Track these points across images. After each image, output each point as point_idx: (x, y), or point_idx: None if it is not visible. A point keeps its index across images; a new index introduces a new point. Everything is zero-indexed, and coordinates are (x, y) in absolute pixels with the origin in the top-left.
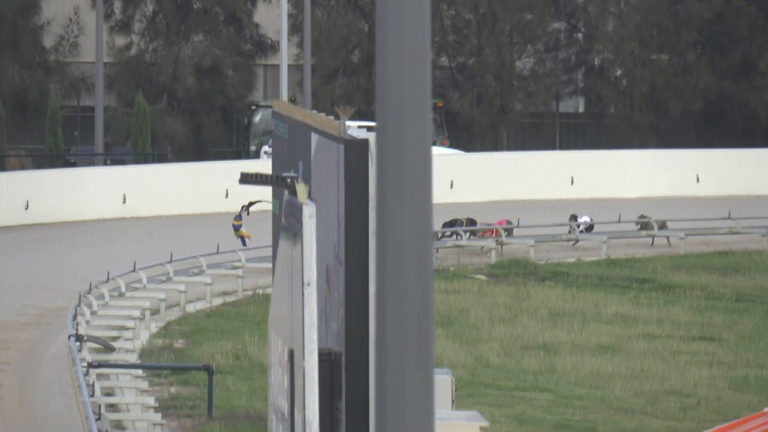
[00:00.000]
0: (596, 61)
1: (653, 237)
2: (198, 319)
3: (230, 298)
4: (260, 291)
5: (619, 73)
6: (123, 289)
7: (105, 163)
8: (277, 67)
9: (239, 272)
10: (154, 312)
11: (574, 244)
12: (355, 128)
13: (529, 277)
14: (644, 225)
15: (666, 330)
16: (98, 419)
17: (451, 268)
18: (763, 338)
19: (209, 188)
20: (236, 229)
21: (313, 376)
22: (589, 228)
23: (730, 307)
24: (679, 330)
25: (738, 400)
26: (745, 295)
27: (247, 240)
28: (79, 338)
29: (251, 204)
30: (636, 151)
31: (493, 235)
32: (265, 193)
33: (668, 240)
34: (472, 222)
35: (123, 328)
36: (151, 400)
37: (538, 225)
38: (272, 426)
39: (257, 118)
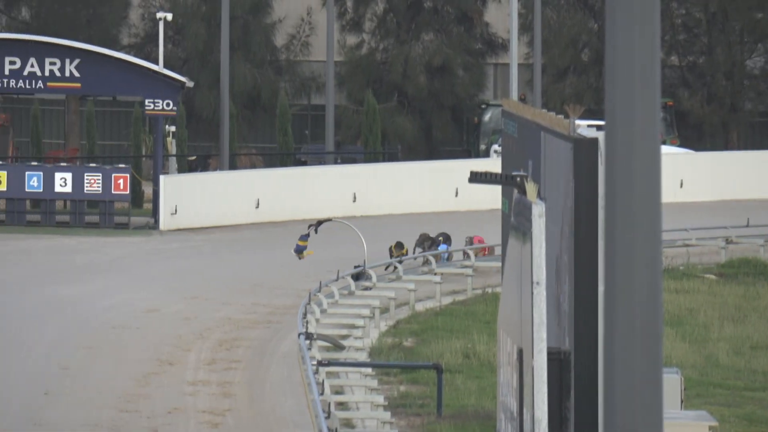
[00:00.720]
0: None
1: None
2: (427, 318)
3: (459, 297)
4: (489, 290)
5: None
6: (353, 288)
7: (335, 162)
8: (506, 65)
9: (468, 271)
10: (384, 310)
11: None
12: (584, 127)
13: (759, 277)
14: None
15: None
16: (327, 417)
17: (681, 268)
18: None
19: (439, 187)
20: (299, 250)
21: (542, 374)
22: None
23: None
24: None
25: None
26: None
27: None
28: (309, 336)
29: (320, 223)
30: None
31: (486, 253)
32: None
33: None
34: (447, 238)
35: (353, 326)
36: (380, 399)
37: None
38: (501, 425)
39: (487, 117)
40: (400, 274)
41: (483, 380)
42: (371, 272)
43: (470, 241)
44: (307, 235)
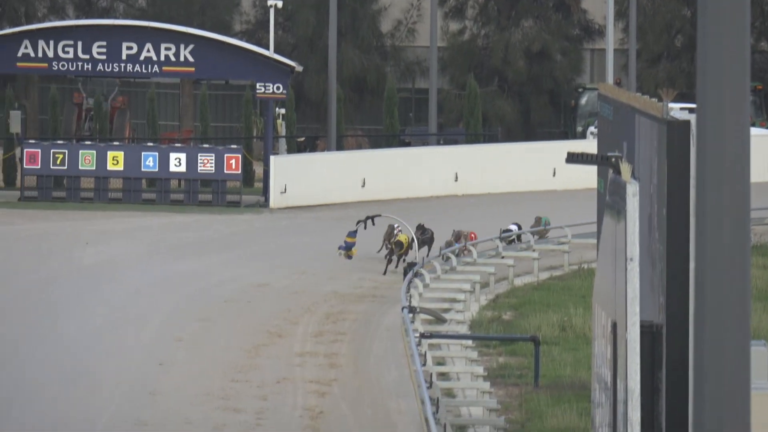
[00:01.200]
0: None
1: None
2: (525, 292)
3: (556, 273)
4: (585, 265)
5: None
6: (454, 263)
7: (438, 143)
8: (603, 51)
9: (565, 247)
10: (484, 285)
11: None
12: (677, 110)
13: None
14: None
15: None
16: (429, 387)
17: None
18: None
19: (537, 167)
20: (347, 248)
21: (635, 347)
22: None
23: None
24: None
25: None
26: None
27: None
28: (412, 310)
29: (369, 218)
30: None
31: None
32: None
33: None
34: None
35: (454, 300)
36: (480, 369)
37: None
38: (595, 394)
39: (584, 101)
40: (499, 251)
41: (578, 352)
42: (472, 248)
43: (457, 236)
44: (355, 232)
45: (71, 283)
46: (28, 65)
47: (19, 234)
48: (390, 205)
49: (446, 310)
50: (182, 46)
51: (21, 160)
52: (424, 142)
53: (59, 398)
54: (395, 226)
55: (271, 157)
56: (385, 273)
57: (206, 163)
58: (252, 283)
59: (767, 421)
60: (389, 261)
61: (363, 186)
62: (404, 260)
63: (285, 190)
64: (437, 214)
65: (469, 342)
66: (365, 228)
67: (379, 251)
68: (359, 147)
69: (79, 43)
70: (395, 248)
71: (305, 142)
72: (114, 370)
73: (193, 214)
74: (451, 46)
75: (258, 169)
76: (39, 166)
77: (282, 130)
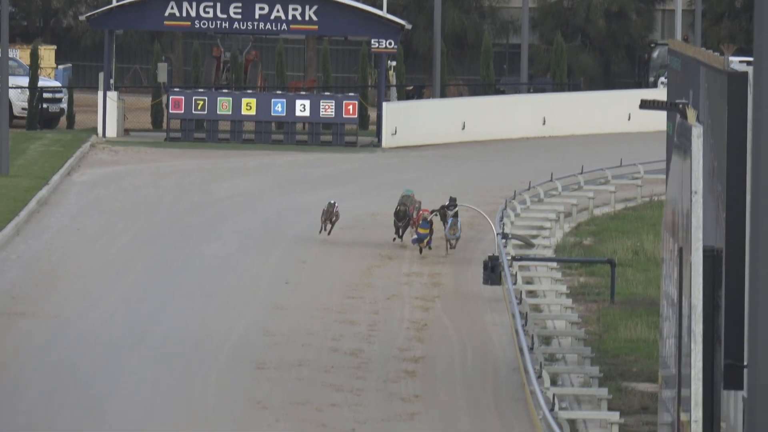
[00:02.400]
0: None
1: None
2: (603, 221)
3: (630, 204)
4: (655, 198)
5: None
6: (542, 196)
7: (528, 92)
8: (672, 11)
9: (638, 182)
10: (567, 215)
11: None
12: (737, 63)
13: None
14: None
15: None
16: (519, 303)
17: None
18: None
19: (614, 112)
20: (420, 239)
21: (698, 269)
22: None
23: None
24: None
25: None
26: None
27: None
28: (505, 236)
29: (444, 208)
30: None
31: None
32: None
33: None
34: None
35: (541, 228)
36: (563, 288)
37: None
38: (663, 310)
39: (655, 54)
40: (581, 185)
41: (649, 273)
42: (557, 183)
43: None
44: (429, 222)
45: (209, 212)
46: (173, 24)
47: (164, 170)
48: (486, 145)
49: (534, 236)
50: (307, 7)
51: (167, 105)
52: (516, 91)
53: (199, 314)
54: (334, 203)
55: (384, 104)
56: (323, 231)
57: (327, 109)
58: (366, 213)
59: None
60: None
61: (463, 129)
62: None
63: (395, 132)
64: (527, 154)
65: (554, 264)
66: (437, 215)
67: (320, 231)
68: (460, 95)
69: (218, 4)
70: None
71: (413, 91)
72: (245, 288)
73: (315, 153)
74: (541, 7)
75: (372, 113)
76: (182, 111)
77: (393, 80)
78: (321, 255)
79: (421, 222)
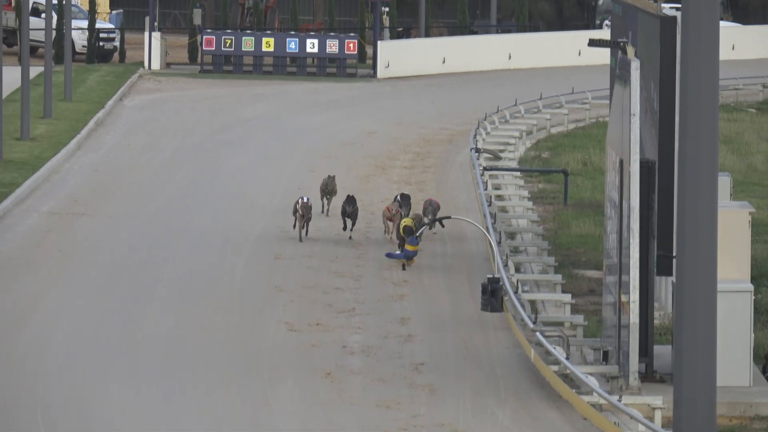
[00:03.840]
0: None
1: None
2: (558, 138)
3: (580, 124)
4: (601, 119)
5: None
6: (508, 117)
7: (497, 32)
8: None
9: (587, 106)
10: (529, 133)
11: None
12: (668, 9)
13: None
14: None
15: None
16: (489, 205)
17: (731, 104)
18: None
19: (568, 49)
20: (408, 256)
21: (635, 177)
22: None
23: None
24: None
25: None
26: None
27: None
28: (477, 150)
29: (436, 221)
30: None
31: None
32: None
33: None
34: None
35: (507, 143)
36: (525, 193)
37: None
38: (607, 211)
39: (601, 2)
40: (540, 108)
41: (595, 180)
42: (521, 107)
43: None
44: (416, 239)
45: (236, 131)
46: None
47: (199, 96)
48: (462, 77)
49: (502, 150)
50: None
51: (201, 44)
52: (487, 31)
53: (228, 214)
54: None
55: (378, 42)
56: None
57: (332, 47)
58: (363, 131)
59: (728, 230)
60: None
61: (443, 63)
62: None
63: (388, 65)
64: (496, 83)
65: (518, 173)
66: (431, 229)
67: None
68: (441, 35)
69: None
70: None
71: (402, 32)
72: (265, 193)
73: (322, 82)
74: None
75: (369, 50)
76: (214, 48)
77: (386, 23)
78: (326, 165)
79: (409, 239)
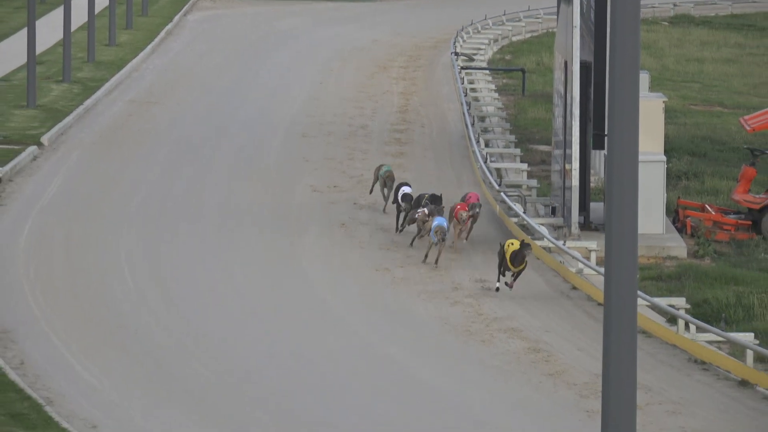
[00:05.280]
0: None
1: None
2: (517, 45)
3: (535, 34)
4: (550, 29)
5: None
6: (479, 29)
7: None
8: None
9: (540, 20)
10: (495, 40)
11: None
12: None
13: (691, 24)
14: None
15: None
16: (465, 95)
17: (650, 18)
18: None
19: None
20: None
21: (576, 76)
22: None
23: None
24: None
25: None
26: None
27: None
28: (456, 54)
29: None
30: None
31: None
32: None
33: None
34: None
35: (479, 49)
36: (492, 86)
37: None
38: (555, 99)
39: None
40: (504, 22)
41: (547, 77)
42: (489, 21)
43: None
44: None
45: (273, 39)
46: None
47: (244, 13)
48: None
49: (475, 54)
50: None
51: None
52: None
53: (267, 103)
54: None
55: None
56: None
57: None
58: (370, 40)
59: (647, 114)
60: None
61: None
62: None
63: None
64: (470, 3)
65: (487, 72)
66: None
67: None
68: None
69: None
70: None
71: None
72: (295, 86)
73: (339, 2)
74: None
75: None
76: None
77: None
78: (341, 66)
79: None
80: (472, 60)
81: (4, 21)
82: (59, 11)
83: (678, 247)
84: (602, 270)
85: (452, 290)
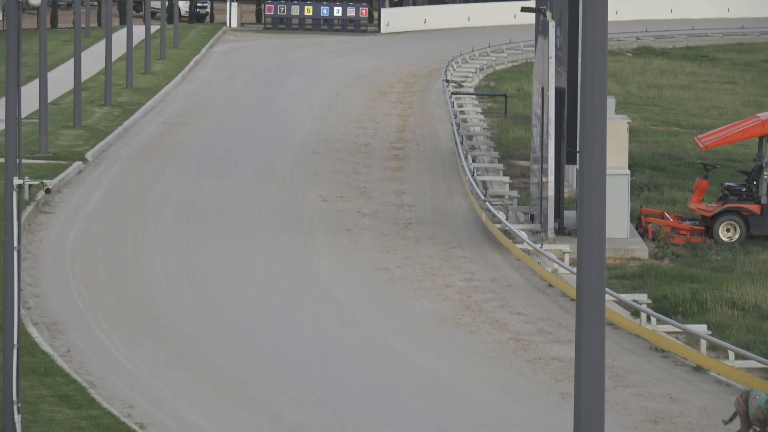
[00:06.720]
0: None
1: None
2: (501, 73)
3: (516, 63)
4: (529, 60)
5: None
6: (467, 59)
7: (461, 2)
8: None
9: (520, 51)
10: (481, 69)
11: None
12: None
13: (651, 55)
14: None
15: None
16: (455, 117)
17: (615, 50)
18: None
19: (507, 13)
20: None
21: (552, 100)
22: None
23: None
24: None
25: None
26: None
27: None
28: (447, 81)
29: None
30: None
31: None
32: None
33: None
34: None
35: (467, 76)
36: (479, 109)
37: None
38: (533, 121)
39: None
40: (489, 53)
41: (526, 101)
42: (476, 52)
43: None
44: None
45: (287, 68)
46: None
47: (262, 45)
48: (438, 32)
49: (463, 80)
50: None
51: (264, 10)
52: (454, 1)
53: (282, 122)
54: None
55: (381, 9)
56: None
57: (350, 12)
58: (371, 68)
59: (613, 134)
60: None
61: (425, 23)
62: None
63: (388, 25)
64: (461, 37)
65: (474, 96)
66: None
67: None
68: (423, 4)
69: None
70: None
71: (398, 2)
72: (306, 109)
73: (343, 36)
74: None
75: (375, 14)
76: (273, 13)
77: None
78: (347, 92)
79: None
80: (461, 86)
81: (54, 52)
82: (102, 44)
83: (641, 249)
84: (575, 269)
85: (444, 287)
